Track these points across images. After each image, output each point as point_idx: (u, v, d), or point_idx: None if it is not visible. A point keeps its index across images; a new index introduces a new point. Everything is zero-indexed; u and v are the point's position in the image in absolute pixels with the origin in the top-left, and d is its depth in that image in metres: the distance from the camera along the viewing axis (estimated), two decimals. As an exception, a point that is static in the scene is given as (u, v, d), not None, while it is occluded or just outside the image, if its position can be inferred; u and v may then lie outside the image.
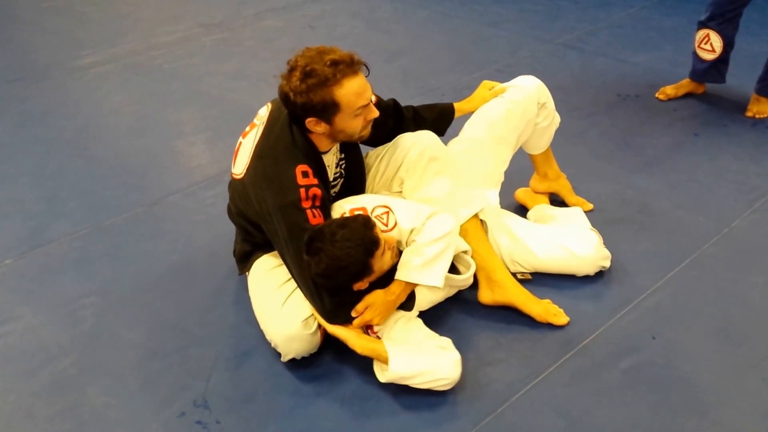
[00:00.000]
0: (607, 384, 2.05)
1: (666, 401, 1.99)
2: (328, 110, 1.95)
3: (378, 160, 2.36)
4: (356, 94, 1.95)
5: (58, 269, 2.59)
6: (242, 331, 2.27)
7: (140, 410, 2.04)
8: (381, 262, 1.99)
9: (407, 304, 2.12)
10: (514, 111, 2.42)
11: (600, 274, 2.41)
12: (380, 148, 2.37)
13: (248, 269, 2.30)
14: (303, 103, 1.94)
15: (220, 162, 3.13)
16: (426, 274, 2.04)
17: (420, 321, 2.16)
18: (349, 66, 1.93)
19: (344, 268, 1.92)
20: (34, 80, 4.09)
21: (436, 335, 2.11)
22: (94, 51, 4.40)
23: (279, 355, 2.12)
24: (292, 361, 2.11)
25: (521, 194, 2.77)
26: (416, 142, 2.26)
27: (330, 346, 2.15)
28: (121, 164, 3.22)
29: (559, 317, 2.23)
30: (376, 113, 2.06)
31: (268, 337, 2.14)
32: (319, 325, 2.09)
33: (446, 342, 2.07)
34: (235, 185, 2.20)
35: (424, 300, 2.19)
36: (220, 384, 2.10)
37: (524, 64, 3.92)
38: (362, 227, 1.94)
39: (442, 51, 4.21)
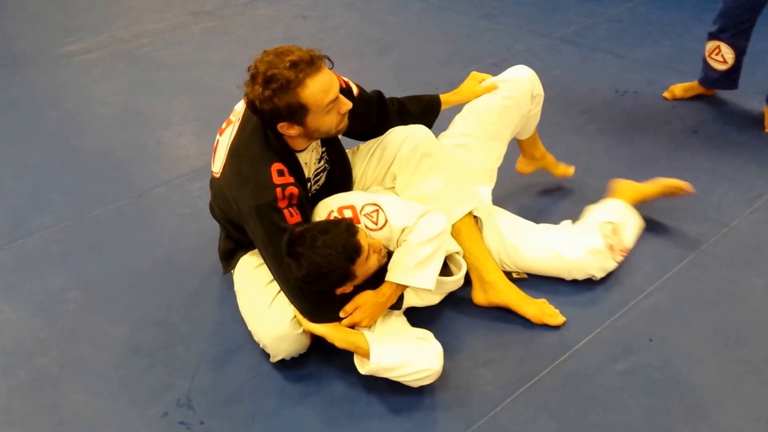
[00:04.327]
0: (602, 387, 2.02)
1: (662, 405, 1.97)
2: (296, 113, 1.89)
3: (369, 155, 2.31)
4: (322, 92, 1.89)
5: (39, 262, 2.54)
6: (227, 328, 2.23)
7: (122, 410, 1.99)
8: (365, 267, 1.95)
9: (396, 303, 2.08)
10: (510, 107, 2.38)
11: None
12: (371, 142, 2.32)
13: (233, 267, 2.26)
14: (270, 110, 1.88)
15: (207, 154, 3.01)
16: (418, 276, 2.01)
17: (403, 316, 2.13)
18: (309, 64, 1.86)
19: (325, 275, 1.87)
20: (19, 67, 4.02)
21: (417, 328, 2.08)
22: (81, 38, 4.33)
23: (264, 354, 2.08)
24: (279, 360, 2.07)
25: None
26: (409, 137, 2.21)
27: (318, 346, 2.11)
28: (106, 155, 3.17)
29: (555, 317, 2.20)
30: (348, 105, 1.99)
31: (256, 338, 2.10)
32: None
33: (427, 334, 2.05)
34: (214, 184, 2.16)
35: (417, 300, 2.15)
36: (205, 383, 2.06)
37: (521, 58, 3.87)
38: (344, 233, 1.88)
39: (437, 44, 4.16)
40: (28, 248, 2.61)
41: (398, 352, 1.94)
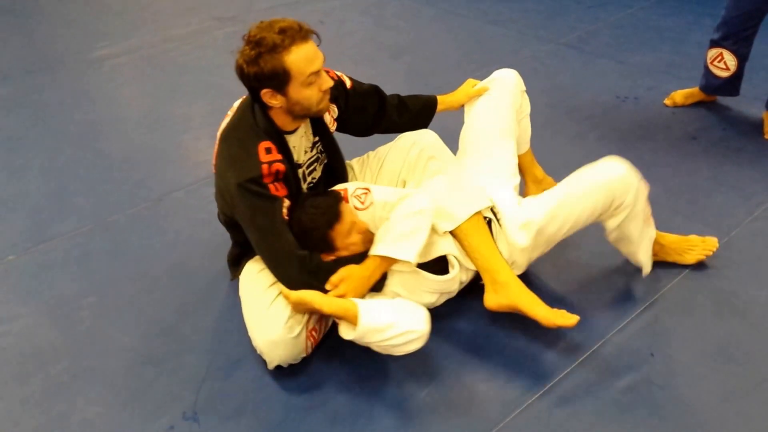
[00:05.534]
0: (604, 405, 1.81)
1: (664, 424, 1.76)
2: (278, 78, 1.76)
3: (379, 165, 2.17)
4: (306, 60, 1.76)
5: (59, 267, 2.36)
6: (235, 337, 2.04)
7: (129, 422, 1.82)
8: (346, 240, 1.89)
9: (378, 285, 1.91)
10: (502, 102, 2.23)
11: (594, 286, 2.15)
12: (381, 151, 2.17)
13: (239, 274, 2.09)
14: (255, 73, 1.75)
15: (224, 158, 2.87)
16: (398, 247, 1.84)
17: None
18: (297, 32, 1.75)
19: (306, 232, 1.85)
20: (52, 72, 3.82)
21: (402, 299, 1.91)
22: (111, 43, 4.12)
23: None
24: (282, 370, 1.89)
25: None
26: (416, 142, 2.09)
27: (319, 355, 1.92)
28: (129, 158, 2.98)
29: (566, 318, 1.90)
30: (330, 82, 1.85)
31: (254, 344, 1.92)
32: (305, 331, 1.87)
33: (413, 303, 1.87)
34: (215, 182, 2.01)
35: (404, 291, 1.94)
36: (210, 395, 1.87)
37: (526, 64, 3.61)
38: (332, 199, 1.91)
39: (447, 49, 3.91)
40: (50, 253, 2.43)
41: (387, 312, 1.78)
